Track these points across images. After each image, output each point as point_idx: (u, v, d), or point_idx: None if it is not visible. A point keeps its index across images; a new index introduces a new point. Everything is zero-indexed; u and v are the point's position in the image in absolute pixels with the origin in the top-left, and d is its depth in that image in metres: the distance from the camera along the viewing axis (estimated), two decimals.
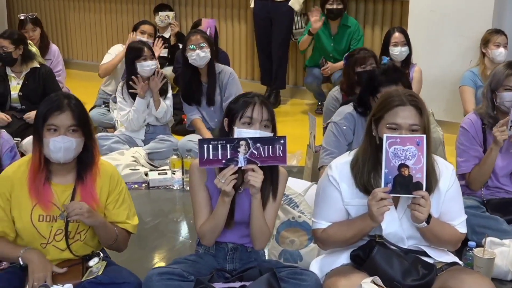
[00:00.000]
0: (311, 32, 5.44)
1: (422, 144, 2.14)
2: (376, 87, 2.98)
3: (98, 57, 7.72)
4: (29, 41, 4.76)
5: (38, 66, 4.57)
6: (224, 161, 2.21)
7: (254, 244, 2.40)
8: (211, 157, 2.21)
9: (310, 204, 2.94)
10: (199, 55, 4.19)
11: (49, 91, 4.52)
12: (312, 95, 6.02)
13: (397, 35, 4.52)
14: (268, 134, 2.32)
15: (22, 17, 5.43)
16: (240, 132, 2.29)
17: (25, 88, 4.50)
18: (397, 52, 4.48)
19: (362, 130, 3.08)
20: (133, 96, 4.30)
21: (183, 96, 4.43)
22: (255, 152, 2.20)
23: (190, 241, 3.28)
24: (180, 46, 5.53)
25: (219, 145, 2.20)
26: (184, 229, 3.56)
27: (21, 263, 2.28)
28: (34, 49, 4.78)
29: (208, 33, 4.83)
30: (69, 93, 2.43)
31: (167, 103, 4.35)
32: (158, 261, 3.08)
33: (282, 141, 2.22)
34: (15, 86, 4.53)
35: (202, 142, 2.23)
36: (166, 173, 3.97)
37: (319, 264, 2.41)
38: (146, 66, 4.22)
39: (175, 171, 3.90)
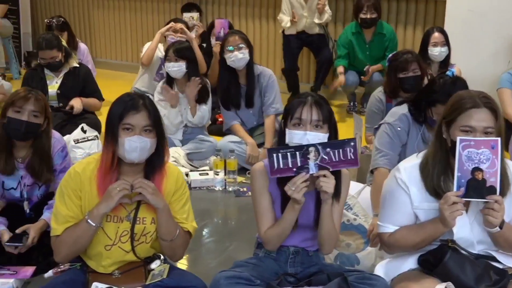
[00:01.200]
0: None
1: (497, 147, 2.10)
2: (435, 101, 2.92)
3: (122, 56, 7.76)
4: None
5: (78, 65, 4.57)
6: (295, 169, 2.18)
7: (322, 248, 2.37)
8: (281, 166, 2.19)
9: (364, 206, 2.91)
10: (237, 57, 4.15)
11: (88, 90, 4.59)
12: (337, 96, 6.01)
13: (436, 35, 4.47)
14: (323, 135, 2.28)
15: (49, 22, 5.42)
16: (291, 134, 2.27)
17: (63, 87, 4.51)
18: (437, 52, 4.43)
19: (416, 132, 3.07)
20: None
21: (221, 100, 4.38)
22: (326, 158, 2.17)
23: (237, 243, 3.25)
24: (204, 46, 5.52)
25: (289, 154, 2.18)
26: (232, 231, 3.51)
27: (93, 224, 2.21)
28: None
29: (222, 33, 4.80)
30: (142, 94, 2.40)
31: (203, 108, 4.31)
32: (216, 264, 3.02)
33: (352, 143, 2.19)
34: (53, 84, 4.54)
35: (271, 151, 2.20)
36: (207, 174, 3.94)
37: (384, 268, 2.37)
38: (169, 68, 4.19)
39: (218, 172, 3.87)
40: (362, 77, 5.50)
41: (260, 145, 4.23)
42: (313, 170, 2.17)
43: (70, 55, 4.57)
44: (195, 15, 6.30)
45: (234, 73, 4.27)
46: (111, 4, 7.69)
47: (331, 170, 2.18)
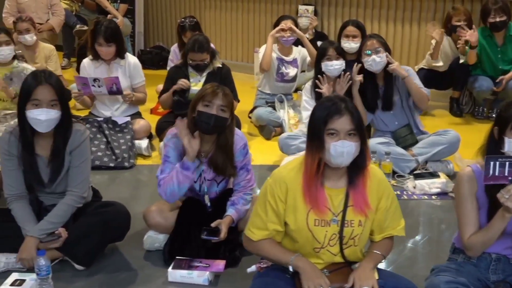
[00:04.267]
0: (472, 45, 5.30)
1: None
2: None
3: (232, 56, 7.85)
4: None
5: (221, 66, 4.66)
6: (510, 178, 2.18)
7: None
8: (496, 174, 2.19)
9: None
10: (375, 61, 4.10)
11: None
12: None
13: None
14: None
15: (182, 23, 5.54)
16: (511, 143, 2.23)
17: None
18: None
19: None
20: (318, 96, 4.27)
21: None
22: None
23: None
24: (319, 43, 5.49)
25: (507, 163, 2.18)
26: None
27: (291, 269, 2.27)
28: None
29: None
30: (343, 97, 2.39)
31: None
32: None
33: None
34: (195, 83, 4.63)
35: (489, 159, 2.20)
36: None
37: None
38: (330, 66, 4.19)
39: None
40: (495, 87, 5.36)
41: (406, 147, 4.18)
42: None
43: (215, 55, 4.66)
44: (310, 8, 6.35)
45: (371, 75, 4.24)
46: (223, 4, 7.81)
47: None
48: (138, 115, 4.78)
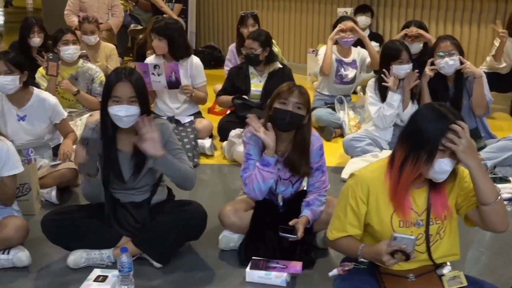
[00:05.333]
0: None
1: None
2: None
3: (284, 56, 7.82)
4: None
5: (281, 66, 4.66)
6: None
7: None
8: None
9: None
10: (447, 63, 4.04)
11: None
12: None
13: None
14: None
15: (243, 14, 5.58)
16: None
17: (267, 86, 4.60)
18: None
19: None
20: (383, 91, 4.21)
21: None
22: None
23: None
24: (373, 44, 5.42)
25: None
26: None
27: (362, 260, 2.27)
28: (277, 49, 4.87)
29: None
30: (445, 104, 2.34)
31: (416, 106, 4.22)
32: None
33: None
34: (257, 83, 4.65)
35: None
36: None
37: None
38: (401, 70, 4.12)
39: None
40: None
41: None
42: None
43: (273, 60, 4.66)
44: (349, 9, 6.29)
45: (442, 77, 4.17)
46: (275, 5, 7.80)
47: None
48: (199, 114, 4.81)
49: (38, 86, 4.23)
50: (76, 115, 4.62)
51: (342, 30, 5.01)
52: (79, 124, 4.56)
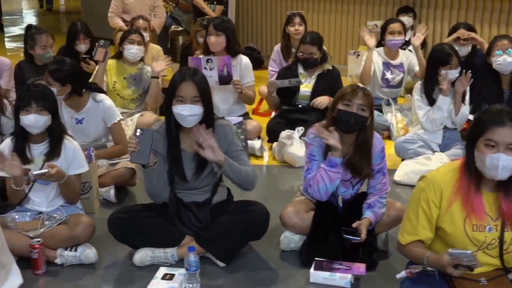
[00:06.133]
0: None
1: None
2: None
3: (334, 60, 7.81)
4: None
5: (331, 68, 4.67)
6: None
7: None
8: None
9: None
10: (505, 60, 4.03)
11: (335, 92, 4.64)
12: None
13: None
14: None
15: (290, 13, 5.61)
16: None
17: (316, 88, 4.62)
18: None
19: None
20: (429, 96, 4.19)
21: (476, 105, 4.24)
22: None
23: None
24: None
25: None
26: None
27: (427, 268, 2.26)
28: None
29: None
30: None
31: (465, 108, 4.18)
32: None
33: None
34: (306, 84, 4.67)
35: None
36: None
37: None
38: (451, 75, 4.07)
39: None
40: None
41: None
42: None
43: (326, 58, 4.68)
44: (379, 22, 6.23)
45: (497, 78, 4.14)
46: (315, 6, 7.80)
47: None
48: (247, 115, 4.84)
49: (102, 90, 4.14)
50: (128, 115, 4.68)
51: (391, 33, 4.99)
52: (130, 124, 4.63)
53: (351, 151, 2.95)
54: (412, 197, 2.38)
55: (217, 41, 4.52)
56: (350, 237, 2.80)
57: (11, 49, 9.80)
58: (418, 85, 4.31)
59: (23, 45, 4.97)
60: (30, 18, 15.03)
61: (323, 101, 4.58)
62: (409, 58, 5.14)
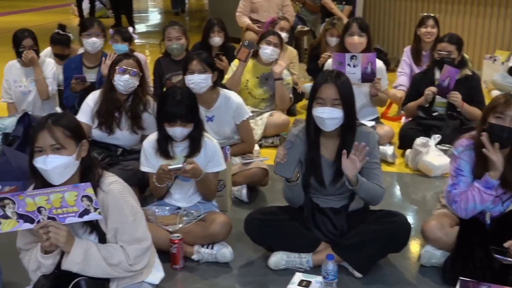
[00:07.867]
0: None
1: None
2: None
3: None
4: None
5: (470, 73, 4.41)
6: None
7: None
8: None
9: None
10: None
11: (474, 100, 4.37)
12: None
13: None
14: None
15: (424, 15, 5.42)
16: None
17: None
18: None
19: None
20: None
21: None
22: None
23: None
24: None
25: None
26: None
27: None
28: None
29: None
30: None
31: None
32: None
33: None
34: None
35: None
36: None
37: None
38: None
39: None
40: None
41: None
42: None
43: (466, 63, 4.44)
44: None
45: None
46: (450, 8, 7.46)
47: None
48: (378, 120, 4.70)
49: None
50: (257, 114, 4.70)
51: None
52: (260, 124, 4.64)
53: (504, 164, 2.73)
54: None
55: (360, 41, 4.44)
56: (501, 257, 2.59)
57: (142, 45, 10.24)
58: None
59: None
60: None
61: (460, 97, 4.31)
62: None
